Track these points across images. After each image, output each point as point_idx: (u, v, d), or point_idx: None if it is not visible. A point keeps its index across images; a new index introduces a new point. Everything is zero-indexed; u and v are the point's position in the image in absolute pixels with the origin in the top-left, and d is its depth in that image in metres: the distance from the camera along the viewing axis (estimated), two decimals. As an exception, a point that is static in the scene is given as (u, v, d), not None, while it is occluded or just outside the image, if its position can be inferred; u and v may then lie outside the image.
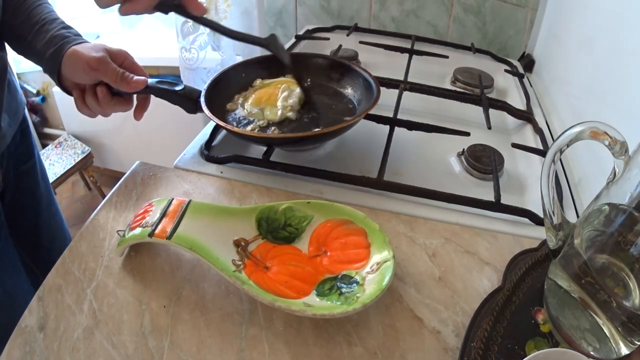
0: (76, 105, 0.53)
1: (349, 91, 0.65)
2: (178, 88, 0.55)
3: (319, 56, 0.70)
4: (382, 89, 0.60)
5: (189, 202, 0.43)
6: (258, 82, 0.66)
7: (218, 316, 0.39)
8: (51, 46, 0.50)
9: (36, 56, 0.52)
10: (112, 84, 0.50)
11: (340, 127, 0.52)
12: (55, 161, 1.80)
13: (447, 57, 0.90)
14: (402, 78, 0.77)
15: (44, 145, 1.92)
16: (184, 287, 0.41)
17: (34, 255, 0.72)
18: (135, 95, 0.54)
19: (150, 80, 0.52)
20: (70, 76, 0.51)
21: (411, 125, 0.62)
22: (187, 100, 0.55)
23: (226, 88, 0.63)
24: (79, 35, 0.53)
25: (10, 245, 0.66)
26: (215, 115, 0.54)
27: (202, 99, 0.56)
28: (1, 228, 0.64)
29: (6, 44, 0.57)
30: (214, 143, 0.61)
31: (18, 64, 1.90)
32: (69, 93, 0.53)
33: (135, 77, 0.50)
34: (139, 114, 0.56)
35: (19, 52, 0.55)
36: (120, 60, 0.52)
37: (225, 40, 1.30)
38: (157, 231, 0.40)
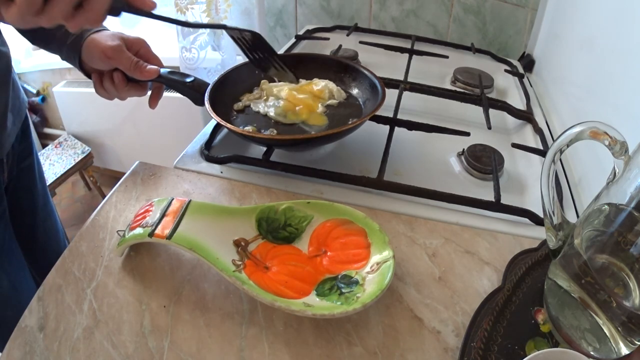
0: (94, 88, 0.55)
1: (355, 92, 0.66)
2: (188, 80, 0.56)
3: (324, 57, 0.70)
4: (383, 89, 0.60)
5: (189, 202, 0.43)
6: (264, 83, 0.66)
7: (218, 316, 0.39)
8: (71, 34, 0.53)
9: (56, 45, 0.54)
10: (126, 72, 0.52)
11: (343, 129, 0.53)
12: (55, 161, 1.80)
13: (447, 57, 0.90)
14: (402, 78, 0.77)
15: (44, 145, 1.92)
16: (184, 287, 0.41)
17: (29, 254, 0.73)
18: (150, 83, 0.56)
19: (162, 70, 0.54)
20: (89, 62, 0.53)
21: (411, 125, 0.62)
22: (195, 93, 0.57)
23: (233, 88, 0.64)
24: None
25: (15, 240, 0.67)
26: (219, 114, 0.54)
27: (207, 95, 0.57)
28: (6, 223, 0.64)
29: (9, 40, 0.58)
30: (214, 143, 0.61)
31: (18, 63, 1.90)
32: (89, 76, 0.56)
33: (149, 67, 0.52)
34: (153, 102, 0.58)
35: (37, 43, 0.56)
36: (136, 48, 0.54)
37: (226, 40, 1.30)
38: (157, 231, 0.40)
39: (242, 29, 0.55)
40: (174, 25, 1.27)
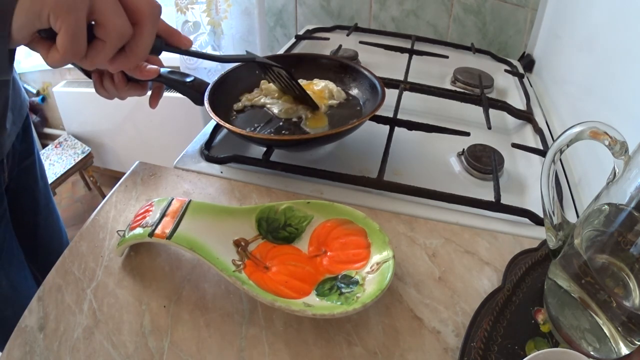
0: (95, 87, 0.55)
1: (355, 92, 0.66)
2: (188, 79, 0.57)
3: (324, 57, 0.70)
4: (383, 89, 0.60)
5: (189, 202, 0.43)
6: (264, 83, 0.66)
7: (218, 316, 0.39)
8: None
9: None
10: (126, 71, 0.52)
11: (343, 129, 0.53)
12: (55, 161, 1.80)
13: (447, 57, 0.90)
14: (402, 78, 0.77)
15: (44, 145, 1.92)
16: (184, 287, 0.41)
17: (31, 253, 0.73)
18: (150, 83, 0.56)
19: (162, 70, 0.54)
20: None
21: (411, 125, 0.62)
22: (195, 92, 0.57)
23: (232, 88, 0.64)
24: None
25: (15, 240, 0.67)
26: (219, 115, 0.54)
27: (206, 95, 0.57)
28: (7, 223, 0.64)
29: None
30: (214, 143, 0.61)
31: (18, 63, 1.91)
32: (89, 76, 0.55)
33: (149, 66, 0.52)
34: (154, 102, 0.58)
35: None
36: None
37: (226, 40, 1.30)
38: (157, 231, 0.40)
39: (272, 64, 0.55)
40: (174, 25, 1.27)
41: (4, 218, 0.64)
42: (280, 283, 0.39)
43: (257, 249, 0.43)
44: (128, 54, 0.38)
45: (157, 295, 0.40)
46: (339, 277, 0.41)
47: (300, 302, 0.37)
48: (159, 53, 0.43)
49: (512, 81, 0.87)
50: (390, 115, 0.64)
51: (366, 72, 0.64)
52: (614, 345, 0.33)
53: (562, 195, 0.54)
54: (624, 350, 0.33)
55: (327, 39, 0.98)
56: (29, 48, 0.37)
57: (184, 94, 0.58)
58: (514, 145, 0.62)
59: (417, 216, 0.50)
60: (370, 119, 0.57)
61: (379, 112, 0.56)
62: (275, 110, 0.61)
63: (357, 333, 0.38)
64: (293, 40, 0.95)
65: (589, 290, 0.33)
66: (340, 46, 0.89)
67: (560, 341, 0.36)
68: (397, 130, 0.62)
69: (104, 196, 0.78)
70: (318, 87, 0.64)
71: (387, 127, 0.62)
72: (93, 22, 0.35)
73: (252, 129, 0.58)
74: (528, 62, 0.96)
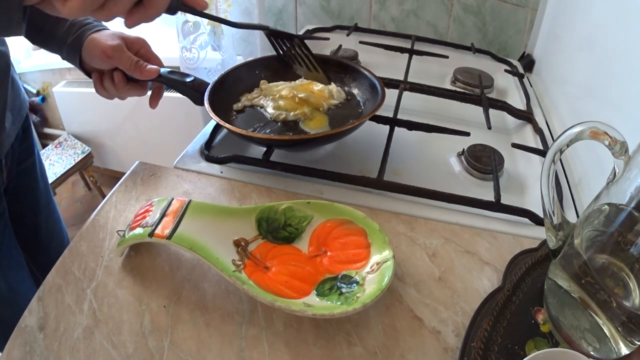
0: (95, 87, 0.55)
1: (355, 92, 0.66)
2: (188, 79, 0.57)
3: (324, 57, 0.70)
4: (383, 89, 0.60)
5: (189, 202, 0.43)
6: (264, 83, 0.66)
7: (218, 316, 0.39)
8: (71, 34, 0.53)
9: (56, 44, 0.54)
10: (126, 71, 0.52)
11: (343, 129, 0.53)
12: (55, 161, 1.80)
13: (447, 57, 0.90)
14: (402, 78, 0.77)
15: (44, 145, 1.92)
16: (184, 287, 0.41)
17: (32, 254, 0.73)
18: (150, 83, 0.56)
19: (162, 70, 0.54)
20: (89, 62, 0.53)
21: (411, 125, 0.62)
22: (195, 92, 0.57)
23: (232, 88, 0.64)
24: (98, 20, 0.55)
25: (14, 241, 0.67)
26: (219, 115, 0.54)
27: (206, 95, 0.57)
28: (5, 224, 0.64)
29: (9, 39, 0.58)
30: (214, 143, 0.61)
31: (18, 63, 1.90)
32: (89, 76, 0.56)
33: (149, 66, 0.52)
34: (154, 102, 0.58)
35: (37, 42, 0.56)
36: (136, 48, 0.54)
37: (226, 40, 1.30)
38: (157, 231, 0.40)
39: (284, 32, 0.56)
40: (174, 25, 1.27)
41: (2, 219, 0.64)
42: (280, 283, 0.39)
43: (257, 249, 0.43)
44: (146, 6, 0.38)
45: (157, 295, 0.40)
46: (339, 277, 0.41)
47: (300, 302, 0.37)
48: (175, 12, 0.43)
49: (512, 81, 0.87)
50: (390, 115, 0.64)
51: (366, 72, 0.64)
52: (614, 345, 0.33)
53: (562, 195, 0.54)
54: (624, 350, 0.33)
55: (327, 39, 0.98)
56: (40, 8, 0.36)
57: (184, 94, 0.58)
58: (514, 145, 0.62)
59: (417, 216, 0.50)
60: (370, 119, 0.57)
61: (379, 112, 0.56)
62: (270, 111, 0.61)
63: (357, 333, 0.38)
64: (293, 40, 0.95)
65: (589, 290, 0.33)
66: (340, 46, 0.89)
67: (560, 341, 0.36)
68: (397, 130, 0.62)
69: (104, 196, 0.78)
70: (318, 87, 0.64)
71: (387, 127, 0.62)
72: None
73: (252, 129, 0.58)
74: (528, 62, 0.96)
